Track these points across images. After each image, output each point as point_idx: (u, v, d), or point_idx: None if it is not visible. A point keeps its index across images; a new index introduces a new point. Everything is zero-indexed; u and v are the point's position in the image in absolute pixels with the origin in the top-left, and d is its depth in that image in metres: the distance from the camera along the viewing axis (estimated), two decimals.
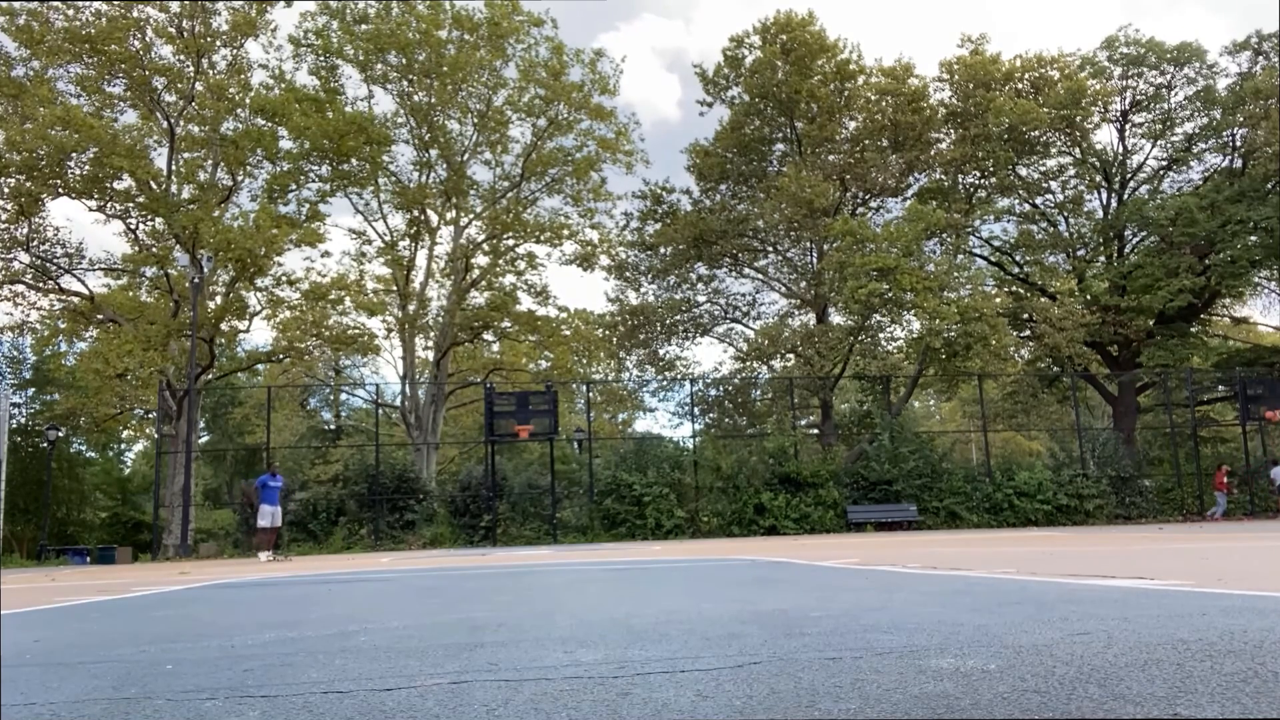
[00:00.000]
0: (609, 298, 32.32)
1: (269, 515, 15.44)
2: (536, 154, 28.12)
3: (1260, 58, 28.05)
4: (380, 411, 29.13)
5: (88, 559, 22.33)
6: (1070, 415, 28.39)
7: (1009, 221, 30.74)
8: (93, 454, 40.04)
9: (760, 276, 31.53)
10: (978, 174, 29.04)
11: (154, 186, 23.65)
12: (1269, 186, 26.25)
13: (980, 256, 30.95)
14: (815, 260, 29.14)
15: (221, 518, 30.73)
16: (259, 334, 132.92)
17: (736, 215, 29.72)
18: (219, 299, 24.95)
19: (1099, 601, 2.64)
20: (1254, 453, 23.66)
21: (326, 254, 37.61)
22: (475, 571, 6.61)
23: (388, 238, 28.30)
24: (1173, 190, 29.31)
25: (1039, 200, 30.49)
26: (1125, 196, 29.79)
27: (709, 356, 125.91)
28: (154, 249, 24.13)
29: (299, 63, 26.91)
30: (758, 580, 4.32)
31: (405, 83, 27.44)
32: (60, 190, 23.17)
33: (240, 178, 25.78)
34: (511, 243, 28.69)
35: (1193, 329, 29.24)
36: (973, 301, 24.40)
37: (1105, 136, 30.70)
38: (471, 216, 28.68)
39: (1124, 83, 29.38)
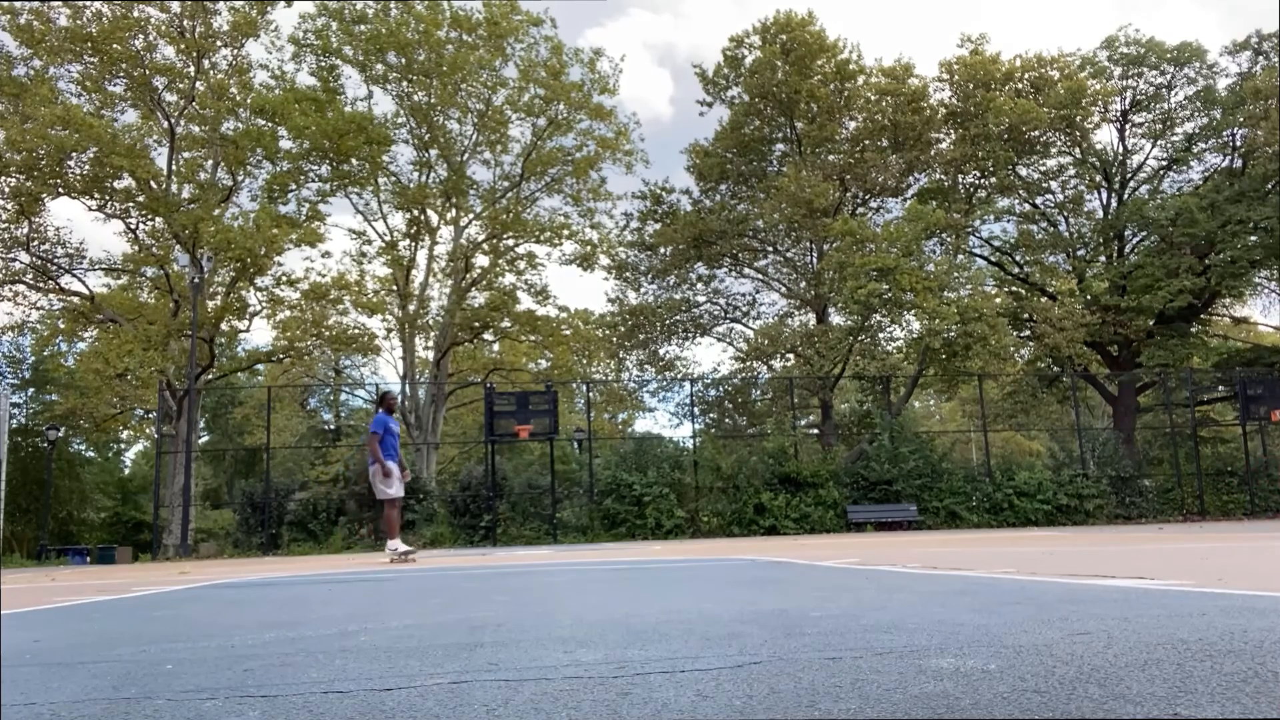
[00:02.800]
0: (609, 298, 32.37)
1: (397, 479, 9.99)
2: (536, 154, 28.14)
3: (1260, 58, 28.08)
4: None
5: (88, 559, 22.35)
6: (1070, 415, 28.40)
7: (1009, 221, 30.79)
8: (92, 454, 40.06)
9: (760, 276, 31.55)
10: (978, 174, 29.05)
11: (154, 186, 23.67)
12: (1269, 186, 26.25)
13: (980, 256, 30.97)
14: (815, 260, 29.15)
15: (222, 518, 30.77)
16: (259, 334, 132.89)
17: (736, 215, 29.74)
18: (219, 299, 24.95)
19: (1099, 601, 2.63)
20: (1254, 452, 23.66)
21: (327, 254, 37.68)
22: (475, 571, 6.60)
23: (388, 238, 28.33)
24: (1173, 190, 29.33)
25: (1039, 200, 30.50)
26: (1125, 196, 29.80)
27: (709, 356, 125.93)
28: (154, 249, 24.15)
29: (299, 63, 26.95)
30: (758, 580, 4.32)
31: (405, 83, 27.46)
32: (60, 190, 23.18)
33: (240, 178, 25.81)
34: (511, 243, 28.71)
35: (1193, 329, 29.26)
36: (973, 301, 24.40)
37: (1105, 136, 30.73)
38: (471, 216, 28.70)
39: (1124, 83, 29.40)
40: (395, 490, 9.90)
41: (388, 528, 10.00)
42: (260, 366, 30.02)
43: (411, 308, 27.54)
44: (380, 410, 10.41)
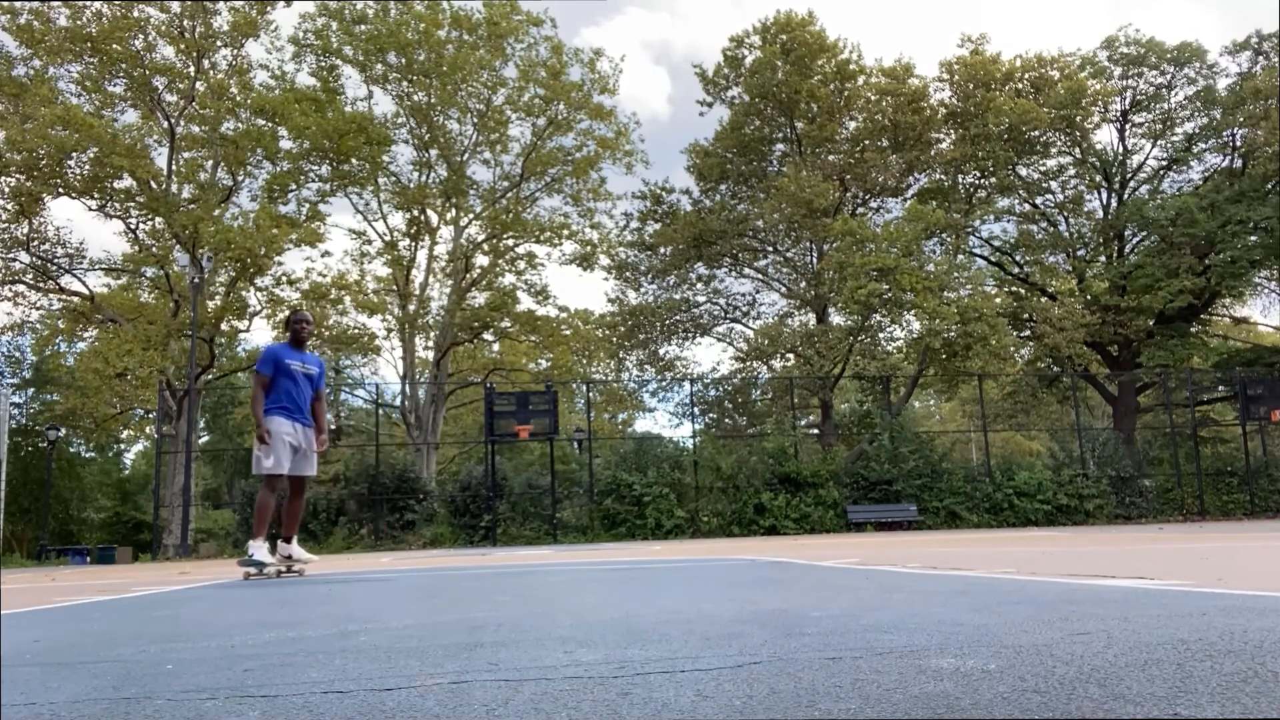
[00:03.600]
0: (609, 298, 32.39)
1: (285, 445, 6.36)
2: (536, 154, 28.15)
3: (1260, 58, 28.09)
4: (380, 411, 29.15)
5: (88, 559, 22.34)
6: (1070, 415, 28.40)
7: (1009, 221, 30.81)
8: (92, 454, 40.05)
9: (760, 276, 31.56)
10: (978, 174, 29.06)
11: (154, 186, 23.68)
12: (1269, 186, 26.26)
13: (980, 256, 30.98)
14: (815, 260, 29.16)
15: (221, 518, 30.76)
16: (259, 334, 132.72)
17: (736, 215, 29.75)
18: (219, 299, 24.96)
19: (1099, 601, 2.63)
20: (1254, 452, 23.66)
21: (327, 254, 37.74)
22: (475, 571, 6.60)
23: (388, 238, 28.35)
24: (1173, 190, 29.34)
25: (1039, 200, 30.51)
26: (1125, 196, 29.81)
27: (709, 356, 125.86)
28: (154, 249, 24.15)
29: (299, 63, 26.98)
30: (758, 580, 4.32)
31: (405, 83, 27.47)
32: (60, 190, 23.19)
33: (240, 178, 25.82)
34: (511, 242, 28.73)
35: (1193, 329, 29.26)
36: (973, 301, 24.41)
37: (1105, 136, 30.75)
38: (471, 216, 28.71)
39: (1124, 83, 29.41)
40: (272, 462, 6.18)
41: (255, 517, 6.33)
42: None
43: (411, 308, 27.56)
44: (287, 339, 6.67)
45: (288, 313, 7.02)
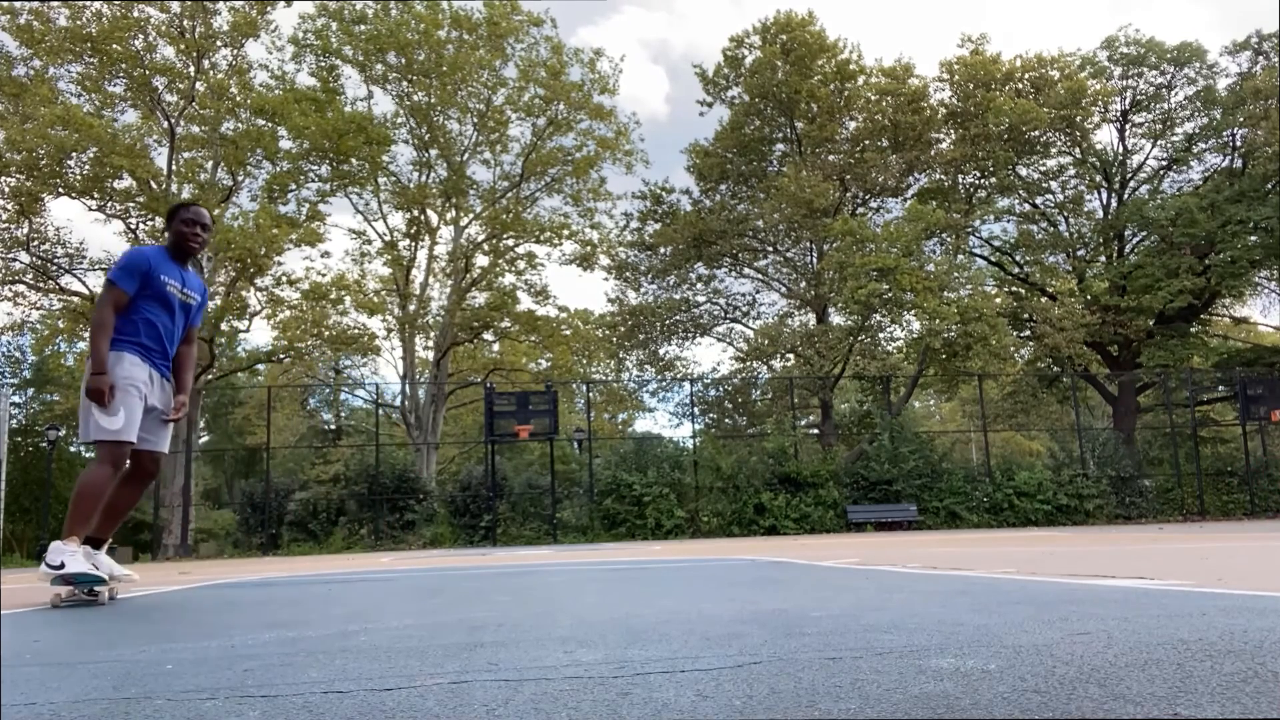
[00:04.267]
0: (609, 298, 32.40)
1: (137, 402, 3.94)
2: (536, 154, 28.16)
3: (1260, 58, 28.08)
4: (380, 411, 29.15)
5: None
6: (1070, 415, 28.40)
7: (1009, 221, 30.80)
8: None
9: (760, 276, 31.56)
10: (978, 174, 29.06)
11: (154, 186, 23.68)
12: (1269, 186, 26.25)
13: (980, 256, 30.97)
14: (815, 260, 29.16)
15: (222, 518, 30.76)
16: (259, 334, 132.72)
17: (736, 215, 29.75)
18: (219, 299, 24.95)
19: (1099, 601, 2.63)
20: (1254, 452, 23.66)
21: (326, 254, 37.79)
22: (475, 571, 6.60)
23: (388, 238, 28.35)
24: (1173, 190, 29.34)
25: (1039, 200, 30.50)
26: (1125, 196, 29.80)
27: (709, 356, 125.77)
28: None
29: (299, 63, 26.98)
30: (758, 580, 4.31)
31: (405, 83, 27.48)
32: (60, 190, 23.19)
33: (240, 178, 25.81)
34: (511, 243, 28.73)
35: (1193, 329, 29.25)
36: (973, 301, 24.41)
37: (1105, 136, 30.74)
38: (471, 216, 28.72)
39: (1124, 83, 29.41)
40: (121, 422, 3.95)
41: (74, 506, 3.94)
42: (260, 366, 30.02)
43: (411, 308, 27.56)
44: (166, 243, 4.24)
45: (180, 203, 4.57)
